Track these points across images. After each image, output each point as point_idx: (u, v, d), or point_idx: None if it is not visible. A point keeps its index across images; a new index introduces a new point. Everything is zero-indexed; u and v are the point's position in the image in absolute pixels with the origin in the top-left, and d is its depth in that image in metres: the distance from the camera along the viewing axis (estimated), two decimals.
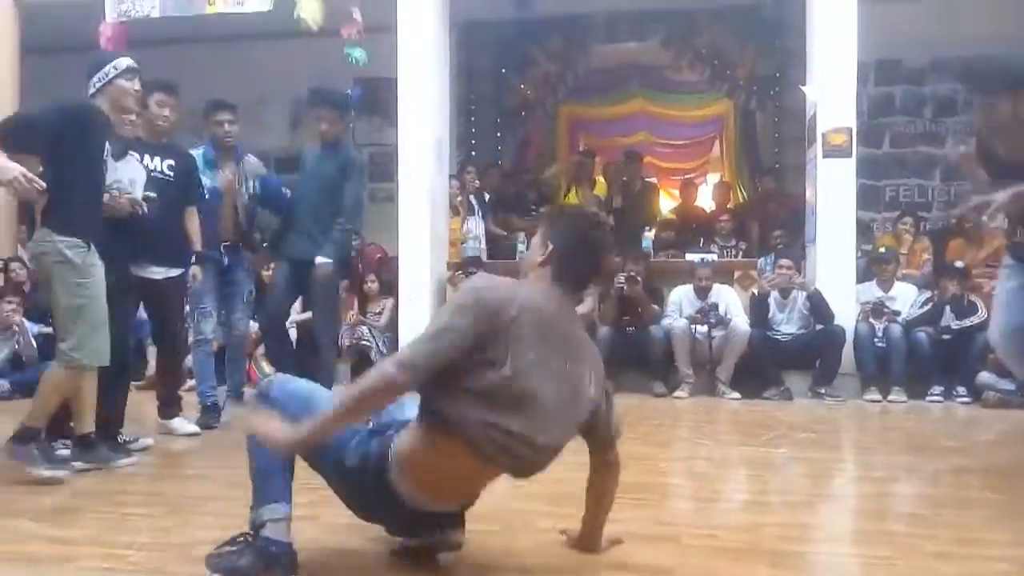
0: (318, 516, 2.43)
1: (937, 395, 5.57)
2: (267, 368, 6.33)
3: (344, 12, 6.21)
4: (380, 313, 6.70)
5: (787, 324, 5.96)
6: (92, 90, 3.40)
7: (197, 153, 4.42)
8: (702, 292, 5.99)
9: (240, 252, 4.65)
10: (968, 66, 7.56)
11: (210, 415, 4.45)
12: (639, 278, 5.92)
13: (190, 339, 4.60)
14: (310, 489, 2.16)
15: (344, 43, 6.25)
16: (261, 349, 6.40)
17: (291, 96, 8.65)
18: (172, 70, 5.32)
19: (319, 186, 4.69)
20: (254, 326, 5.78)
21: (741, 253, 7.12)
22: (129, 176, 3.72)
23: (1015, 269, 3.24)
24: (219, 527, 2.48)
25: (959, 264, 6.09)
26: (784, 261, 6.03)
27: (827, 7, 6.04)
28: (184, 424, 4.21)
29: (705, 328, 5.90)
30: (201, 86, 7.05)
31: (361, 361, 6.42)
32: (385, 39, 6.41)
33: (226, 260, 4.55)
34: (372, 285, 6.77)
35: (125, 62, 3.44)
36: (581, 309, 6.08)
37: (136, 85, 3.48)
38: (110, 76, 3.38)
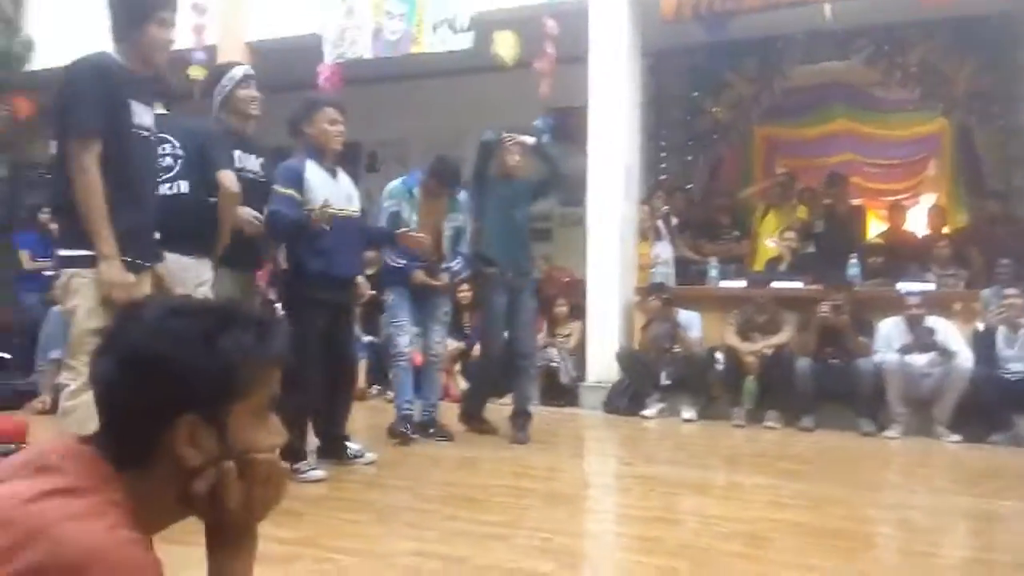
0: None
1: None
2: (464, 385, 6.55)
3: (537, 46, 6.38)
4: (568, 336, 6.74)
5: (1017, 362, 5.35)
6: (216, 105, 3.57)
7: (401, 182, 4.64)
8: (914, 322, 5.52)
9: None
10: None
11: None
12: (844, 308, 5.56)
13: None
14: None
15: (535, 76, 6.41)
16: (458, 366, 6.64)
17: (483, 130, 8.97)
18: (378, 106, 5.69)
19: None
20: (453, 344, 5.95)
21: (962, 283, 6.48)
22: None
23: None
24: (415, 538, 2.61)
25: None
26: (1011, 291, 5.45)
27: None
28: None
29: (923, 360, 5.40)
30: (404, 122, 7.47)
31: (550, 381, 6.50)
32: (575, 69, 6.50)
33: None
34: (561, 308, 6.79)
35: (241, 71, 3.63)
36: (778, 339, 5.82)
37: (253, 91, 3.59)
38: (227, 88, 3.55)
